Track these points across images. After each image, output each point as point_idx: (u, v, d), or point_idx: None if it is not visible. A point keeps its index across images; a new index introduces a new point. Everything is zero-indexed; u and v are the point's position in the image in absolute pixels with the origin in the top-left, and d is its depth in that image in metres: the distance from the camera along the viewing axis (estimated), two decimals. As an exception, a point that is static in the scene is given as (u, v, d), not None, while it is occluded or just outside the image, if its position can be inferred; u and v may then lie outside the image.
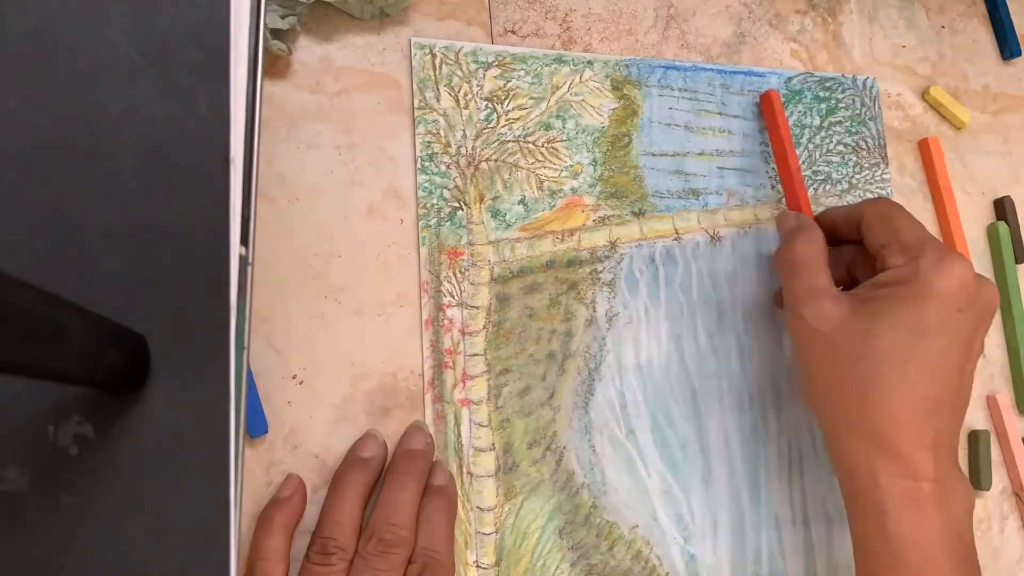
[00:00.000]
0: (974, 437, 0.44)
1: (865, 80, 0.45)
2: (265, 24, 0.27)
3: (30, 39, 0.22)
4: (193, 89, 0.23)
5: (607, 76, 0.40)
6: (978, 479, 0.43)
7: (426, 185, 0.36)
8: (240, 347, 0.22)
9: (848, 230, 0.37)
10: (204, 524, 0.20)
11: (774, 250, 0.40)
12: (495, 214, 0.37)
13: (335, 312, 0.34)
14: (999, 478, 0.44)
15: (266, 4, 0.25)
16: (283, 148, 0.35)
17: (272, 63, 0.35)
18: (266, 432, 0.33)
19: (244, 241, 0.22)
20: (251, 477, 0.32)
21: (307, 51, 0.36)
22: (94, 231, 0.21)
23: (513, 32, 0.39)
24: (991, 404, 0.45)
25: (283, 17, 0.34)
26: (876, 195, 0.44)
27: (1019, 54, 0.48)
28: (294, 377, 0.34)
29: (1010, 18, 0.48)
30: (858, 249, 0.37)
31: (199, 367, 0.21)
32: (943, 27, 0.47)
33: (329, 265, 0.35)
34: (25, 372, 0.17)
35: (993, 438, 0.45)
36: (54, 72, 0.22)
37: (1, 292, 0.15)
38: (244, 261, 0.22)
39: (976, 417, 0.45)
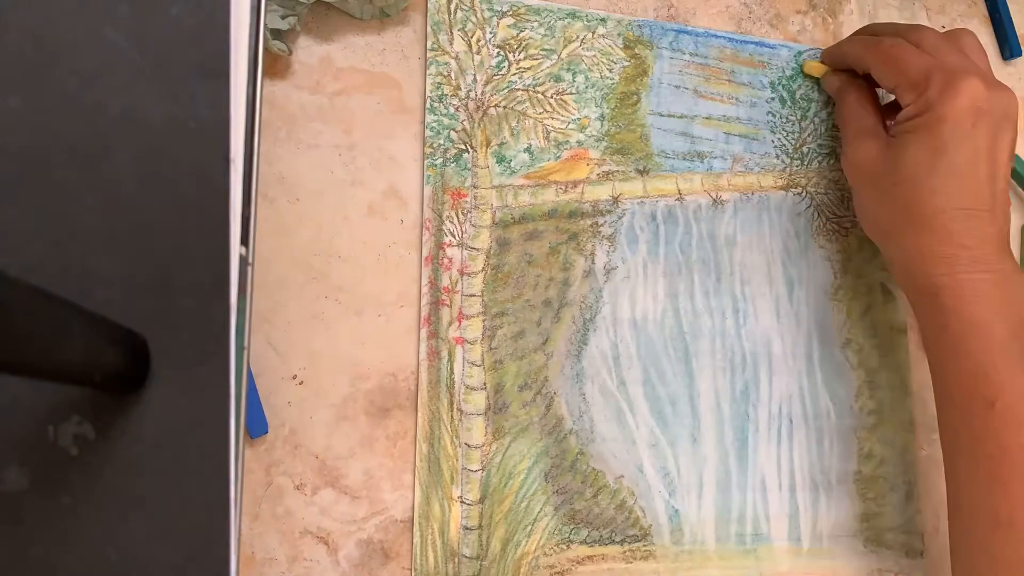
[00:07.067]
0: (974, 437, 0.44)
1: None
2: (265, 24, 0.27)
3: (30, 39, 0.22)
4: (193, 89, 0.23)
5: (619, 35, 0.40)
6: (978, 479, 0.43)
7: (434, 125, 0.36)
8: (240, 347, 0.22)
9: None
10: (204, 524, 0.20)
11: (774, 214, 0.41)
12: (500, 159, 0.37)
13: (335, 312, 0.34)
14: (999, 478, 0.44)
15: (266, 4, 0.25)
16: (283, 148, 0.35)
17: (272, 63, 0.35)
18: (266, 432, 0.33)
19: (244, 241, 0.22)
20: (251, 477, 0.32)
21: (307, 51, 0.36)
22: (94, 231, 0.21)
23: (513, 32, 0.39)
24: (991, 404, 0.45)
25: (283, 17, 0.34)
26: None
27: (1019, 54, 0.48)
28: (294, 377, 0.34)
29: (1010, 18, 0.48)
30: None
31: (199, 367, 0.21)
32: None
33: (329, 265, 0.35)
34: (25, 372, 0.17)
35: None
36: (54, 72, 0.22)
37: (1, 292, 0.15)
38: (244, 261, 0.22)
39: (976, 417, 0.45)
